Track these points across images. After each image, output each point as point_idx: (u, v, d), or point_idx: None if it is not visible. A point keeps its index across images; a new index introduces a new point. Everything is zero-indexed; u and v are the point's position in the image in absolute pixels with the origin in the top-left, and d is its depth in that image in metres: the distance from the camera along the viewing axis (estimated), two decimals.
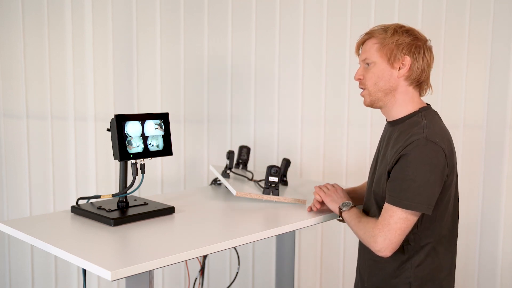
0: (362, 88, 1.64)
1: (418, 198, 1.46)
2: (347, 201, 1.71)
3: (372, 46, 1.59)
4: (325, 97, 2.73)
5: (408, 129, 1.54)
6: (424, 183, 1.46)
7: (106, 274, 1.20)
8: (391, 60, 1.56)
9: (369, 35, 1.61)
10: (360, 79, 1.64)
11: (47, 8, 2.79)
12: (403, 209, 1.47)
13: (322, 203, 1.81)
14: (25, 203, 2.90)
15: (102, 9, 2.76)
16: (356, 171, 2.74)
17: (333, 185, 1.82)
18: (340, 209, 1.70)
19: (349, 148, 2.74)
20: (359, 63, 1.65)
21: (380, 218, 1.53)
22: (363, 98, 1.65)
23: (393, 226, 1.48)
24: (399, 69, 1.57)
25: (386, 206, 1.51)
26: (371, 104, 1.64)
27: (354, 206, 1.70)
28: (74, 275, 2.91)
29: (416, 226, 1.54)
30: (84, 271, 1.47)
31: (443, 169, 1.49)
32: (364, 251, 1.69)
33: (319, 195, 1.80)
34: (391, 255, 1.55)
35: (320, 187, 1.82)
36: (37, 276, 2.96)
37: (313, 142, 2.77)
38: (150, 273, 1.37)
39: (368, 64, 1.60)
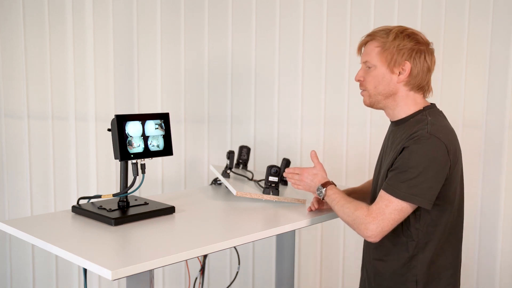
0: (362, 90, 1.66)
1: (415, 190, 1.46)
2: (318, 186, 1.70)
3: (373, 49, 1.60)
4: (325, 97, 2.74)
5: (412, 126, 1.55)
6: (423, 176, 1.46)
7: (107, 274, 1.21)
8: (391, 65, 1.57)
9: (371, 37, 1.62)
10: (360, 80, 1.65)
11: (48, 9, 2.79)
12: (400, 200, 1.47)
13: (320, 202, 1.81)
14: (26, 203, 2.91)
15: (102, 9, 2.77)
16: (356, 171, 2.75)
17: (297, 173, 1.78)
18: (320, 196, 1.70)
19: (349, 148, 2.75)
20: (360, 64, 1.66)
21: (374, 206, 1.52)
22: (363, 98, 1.67)
23: (387, 216, 1.48)
24: (399, 74, 1.58)
25: (383, 194, 1.51)
26: (371, 106, 1.66)
27: (326, 187, 1.67)
28: (75, 274, 2.92)
29: (417, 221, 1.54)
30: (85, 270, 1.48)
31: (444, 164, 1.49)
32: (369, 251, 1.70)
33: (297, 187, 1.79)
34: (397, 253, 1.57)
35: (293, 183, 1.80)
36: (38, 276, 2.96)
37: (313, 142, 2.77)
38: (150, 272, 1.38)
39: (369, 66, 1.61)
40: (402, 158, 1.50)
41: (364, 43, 1.65)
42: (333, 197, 1.64)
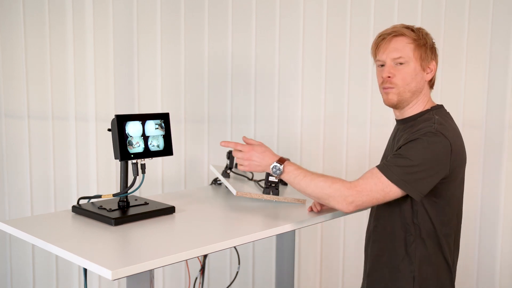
0: (390, 87, 1.59)
1: (408, 178, 1.46)
2: (274, 163, 1.57)
3: (406, 45, 1.57)
4: (325, 97, 2.74)
5: (420, 124, 1.56)
6: (420, 167, 1.46)
7: (107, 274, 1.21)
8: (423, 62, 1.59)
9: (398, 33, 1.58)
10: (389, 77, 1.58)
11: (48, 9, 2.79)
12: (391, 182, 1.46)
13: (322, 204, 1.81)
14: (27, 203, 2.91)
15: (103, 9, 2.77)
16: (356, 171, 2.75)
17: (239, 149, 1.61)
18: (275, 176, 1.57)
19: (349, 148, 2.75)
20: (385, 61, 1.60)
21: (362, 180, 1.49)
22: (387, 96, 1.61)
23: (373, 194, 1.47)
24: (427, 72, 1.61)
25: (375, 172, 1.49)
26: (397, 104, 1.61)
27: (283, 162, 1.56)
28: (75, 274, 2.92)
29: (415, 216, 1.54)
30: (85, 270, 1.48)
31: (444, 163, 1.49)
32: (369, 247, 1.70)
33: (243, 168, 1.62)
34: (394, 248, 1.57)
35: (238, 162, 1.61)
36: (38, 276, 2.96)
37: (313, 142, 2.77)
38: (150, 272, 1.38)
39: (401, 62, 1.57)
40: (406, 147, 1.50)
41: (390, 40, 1.59)
42: (296, 173, 1.56)
